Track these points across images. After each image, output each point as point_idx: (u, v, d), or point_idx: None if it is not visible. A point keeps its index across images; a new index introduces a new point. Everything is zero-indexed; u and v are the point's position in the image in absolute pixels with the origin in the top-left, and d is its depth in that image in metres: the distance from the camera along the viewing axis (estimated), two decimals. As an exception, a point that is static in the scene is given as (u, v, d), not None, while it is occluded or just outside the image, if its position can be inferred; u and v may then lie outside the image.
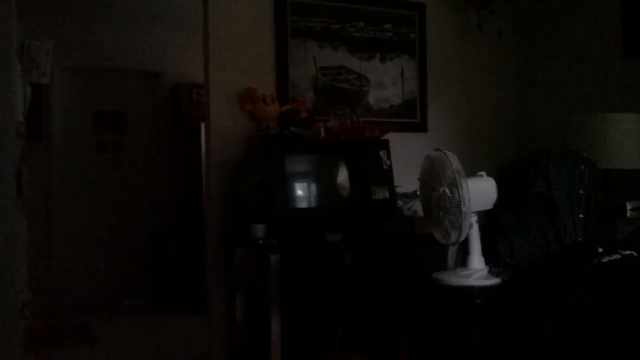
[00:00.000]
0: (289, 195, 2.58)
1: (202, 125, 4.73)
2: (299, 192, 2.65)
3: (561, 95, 3.63)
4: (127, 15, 5.39)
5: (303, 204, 2.65)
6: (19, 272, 3.11)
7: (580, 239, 2.04)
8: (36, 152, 5.06)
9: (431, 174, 2.01)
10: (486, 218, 2.12)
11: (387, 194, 2.66)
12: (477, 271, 1.97)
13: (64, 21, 5.39)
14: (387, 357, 2.36)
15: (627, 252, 1.86)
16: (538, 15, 3.80)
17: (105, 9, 5.20)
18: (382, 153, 2.70)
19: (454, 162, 1.95)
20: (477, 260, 1.99)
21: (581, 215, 2.07)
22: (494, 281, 1.94)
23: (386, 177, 2.69)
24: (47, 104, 5.42)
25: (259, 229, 2.54)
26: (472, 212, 1.94)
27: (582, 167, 2.12)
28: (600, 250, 1.86)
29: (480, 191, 1.98)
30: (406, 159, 3.12)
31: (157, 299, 5.48)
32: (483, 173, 2.05)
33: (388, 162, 2.71)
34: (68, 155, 5.61)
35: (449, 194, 1.92)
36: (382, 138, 2.85)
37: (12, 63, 2.99)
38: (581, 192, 2.08)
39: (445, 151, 1.99)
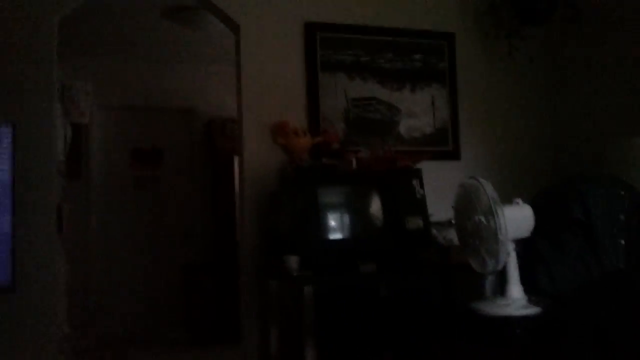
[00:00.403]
0: (322, 226, 2.58)
1: (236, 159, 4.81)
2: (332, 223, 2.65)
3: (598, 119, 3.57)
4: (160, 52, 5.57)
5: (336, 235, 2.64)
6: (59, 307, 3.17)
7: (621, 266, 1.98)
8: (75, 189, 5.19)
9: (466, 202, 1.99)
10: (523, 245, 2.08)
11: (421, 223, 2.64)
12: (516, 300, 1.93)
13: (98, 60, 5.58)
14: (425, 389, 2.31)
15: (673, 279, 1.80)
16: (570, 39, 3.77)
17: (138, 47, 5.38)
18: (414, 182, 2.69)
19: (489, 189, 1.93)
20: (515, 289, 1.95)
21: (622, 241, 2.02)
22: (534, 310, 1.90)
23: (420, 206, 2.67)
24: (86, 142, 5.58)
25: (293, 260, 2.54)
26: (510, 240, 1.92)
27: (622, 192, 2.08)
28: (644, 277, 1.81)
29: (517, 218, 1.96)
30: (439, 188, 3.09)
31: (192, 332, 5.50)
32: (519, 200, 2.02)
33: (421, 191, 2.70)
34: (106, 191, 5.75)
35: (484, 222, 1.90)
36: (415, 167, 2.84)
37: (54, 105, 3.11)
38: (622, 217, 2.03)
39: (480, 179, 1.97)
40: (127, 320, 5.65)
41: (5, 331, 2.84)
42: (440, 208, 2.92)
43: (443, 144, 3.61)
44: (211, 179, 5.89)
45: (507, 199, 2.03)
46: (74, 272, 4.10)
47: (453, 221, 2.24)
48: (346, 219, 2.71)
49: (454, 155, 3.62)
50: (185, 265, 5.65)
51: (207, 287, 5.46)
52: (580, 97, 3.72)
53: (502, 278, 2.00)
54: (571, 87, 3.79)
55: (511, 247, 1.95)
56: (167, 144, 6.01)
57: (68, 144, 3.62)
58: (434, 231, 2.77)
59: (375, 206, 2.67)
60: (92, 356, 5.04)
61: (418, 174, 2.73)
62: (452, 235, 2.67)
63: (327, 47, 3.40)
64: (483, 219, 1.90)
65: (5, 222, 2.70)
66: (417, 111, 3.57)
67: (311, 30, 3.38)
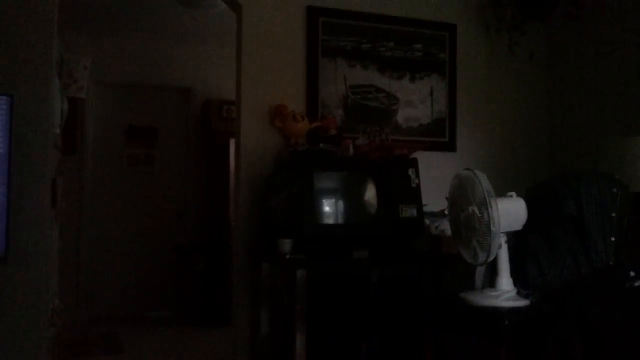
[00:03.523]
0: (317, 210, 2.60)
1: (231, 142, 4.81)
2: (327, 208, 2.66)
3: (594, 117, 3.59)
4: (160, 31, 5.53)
5: (330, 220, 2.66)
6: (51, 280, 3.18)
7: (611, 263, 2.01)
8: (70, 164, 5.18)
9: (460, 193, 2.01)
10: (515, 239, 2.11)
11: (414, 212, 2.66)
12: (505, 292, 1.95)
13: (98, 37, 5.55)
14: (412, 376, 2.34)
15: (661, 277, 1.83)
16: (571, 36, 3.78)
17: (139, 25, 5.34)
18: (410, 171, 2.71)
19: (484, 181, 1.95)
20: (505, 281, 1.98)
21: (613, 239, 2.04)
22: (523, 302, 1.93)
23: (414, 196, 2.69)
24: (81, 117, 5.56)
25: (286, 244, 2.56)
26: (502, 233, 1.94)
27: (615, 189, 2.10)
28: (633, 274, 1.84)
29: (510, 212, 1.98)
30: (434, 178, 3.13)
31: (183, 312, 5.52)
32: (513, 194, 2.04)
33: (416, 181, 2.71)
34: (100, 167, 5.74)
35: (478, 214, 1.91)
36: (411, 156, 2.86)
37: (52, 78, 3.08)
38: (613, 214, 2.06)
39: (475, 171, 1.99)
40: (118, 298, 5.67)
41: (-4, 302, 2.84)
42: (434, 198, 2.95)
43: (440, 135, 3.63)
44: (206, 160, 5.88)
45: (502, 193, 2.05)
46: (66, 248, 4.11)
47: (446, 212, 2.26)
48: (341, 204, 2.72)
49: (450, 146, 3.64)
50: (178, 246, 5.66)
51: (200, 268, 5.47)
52: (577, 95, 3.74)
53: (492, 270, 2.02)
54: (569, 84, 3.80)
55: (503, 240, 1.97)
56: (162, 123, 5.99)
57: (64, 118, 3.60)
58: (427, 221, 2.80)
59: (370, 193, 2.68)
60: (82, 332, 5.06)
61: (414, 163, 2.75)
62: (445, 226, 2.69)
63: (329, 33, 3.40)
64: (477, 211, 1.92)
65: (-1, 193, 2.69)
66: (415, 101, 3.58)
67: (313, 14, 3.37)
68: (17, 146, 2.83)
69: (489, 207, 1.89)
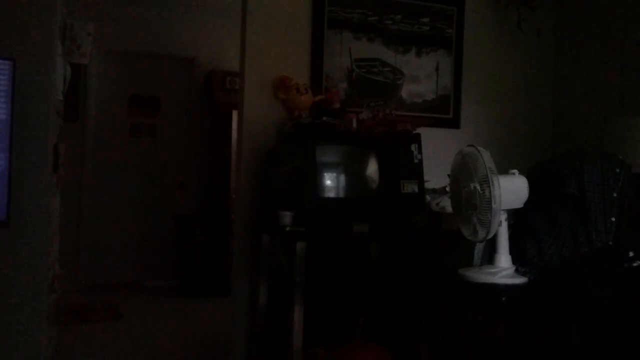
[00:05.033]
0: (319, 184, 2.59)
1: (234, 113, 4.79)
2: (329, 182, 2.66)
3: (600, 96, 3.56)
4: (166, 0, 5.46)
5: (332, 194, 2.66)
6: (52, 246, 3.20)
7: (611, 243, 2.01)
8: (72, 130, 5.17)
9: (462, 170, 2.00)
10: (515, 217, 2.10)
11: (416, 188, 2.65)
12: (503, 269, 1.96)
13: (103, 4, 5.49)
14: (408, 349, 2.36)
15: (660, 258, 1.83)
16: (580, 13, 3.73)
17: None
18: (413, 147, 2.70)
19: (487, 158, 1.94)
20: (504, 258, 1.98)
21: (613, 219, 2.04)
22: (520, 280, 1.93)
23: (416, 171, 2.68)
24: (84, 84, 5.53)
25: (287, 216, 2.56)
26: (502, 210, 1.93)
27: (617, 170, 2.08)
28: (632, 254, 1.83)
29: (512, 189, 1.97)
30: (437, 155, 3.12)
31: (182, 282, 5.58)
32: (515, 171, 2.03)
33: (419, 157, 2.70)
34: (102, 136, 5.73)
35: (479, 191, 1.91)
36: (414, 132, 2.84)
37: (55, 43, 3.06)
38: (615, 195, 2.05)
39: (478, 147, 1.98)
40: (117, 266, 5.71)
41: (-3, 266, 2.87)
42: (435, 175, 2.94)
43: (444, 112, 3.60)
44: (208, 131, 5.87)
45: (504, 170, 2.04)
46: (67, 215, 4.12)
47: (448, 188, 2.26)
48: (342, 178, 2.72)
49: (453, 123, 3.62)
50: (179, 216, 5.69)
51: (200, 239, 5.51)
52: (583, 74, 3.70)
53: (491, 247, 2.02)
54: (575, 63, 3.76)
55: (503, 217, 1.97)
56: (165, 92, 5.97)
57: (67, 84, 3.58)
58: (428, 197, 2.79)
59: (373, 168, 2.67)
60: (81, 298, 5.11)
61: (417, 139, 2.73)
62: (445, 203, 2.69)
63: (335, 4, 3.35)
64: (478, 188, 1.91)
65: (1, 159, 2.69)
66: (420, 76, 3.55)
67: (320, -15, 3.32)
68: (19, 111, 2.82)
69: (490, 184, 1.88)
